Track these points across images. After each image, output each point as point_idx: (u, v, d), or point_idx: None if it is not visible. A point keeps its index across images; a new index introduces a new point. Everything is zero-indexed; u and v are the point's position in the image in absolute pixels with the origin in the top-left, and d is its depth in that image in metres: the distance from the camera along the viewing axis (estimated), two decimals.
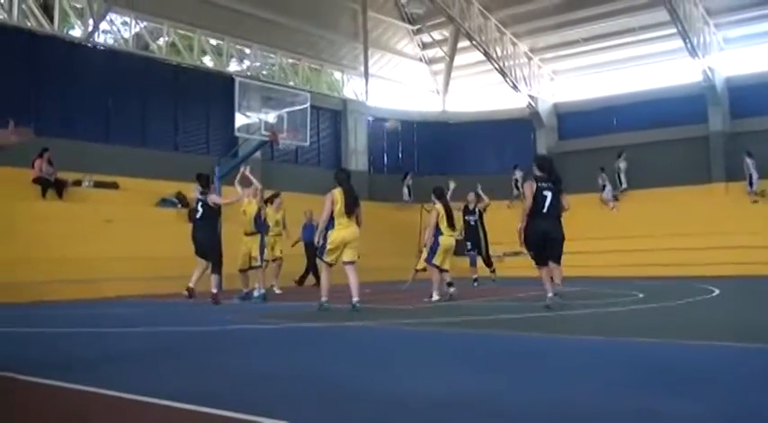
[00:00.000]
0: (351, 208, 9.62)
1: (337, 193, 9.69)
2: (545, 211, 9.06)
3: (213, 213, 11.54)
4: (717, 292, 12.18)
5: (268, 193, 14.38)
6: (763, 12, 25.04)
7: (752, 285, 14.28)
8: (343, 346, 6.39)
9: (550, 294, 9.18)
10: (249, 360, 5.49)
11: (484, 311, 9.47)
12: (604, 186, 25.92)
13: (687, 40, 24.18)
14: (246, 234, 12.27)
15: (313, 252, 16.12)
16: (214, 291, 11.34)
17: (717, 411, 3.38)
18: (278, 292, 14.51)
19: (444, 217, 11.31)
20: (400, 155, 31.36)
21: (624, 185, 26.06)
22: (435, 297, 11.20)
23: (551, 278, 9.25)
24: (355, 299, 9.49)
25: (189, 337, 7.23)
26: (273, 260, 14.47)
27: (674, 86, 27.20)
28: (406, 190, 28.24)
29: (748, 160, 22.95)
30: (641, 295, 11.43)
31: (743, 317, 8.34)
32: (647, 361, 5.01)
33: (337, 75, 30.47)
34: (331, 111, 28.67)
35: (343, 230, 9.59)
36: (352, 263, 9.69)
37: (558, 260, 9.37)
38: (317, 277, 16.55)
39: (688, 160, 25.23)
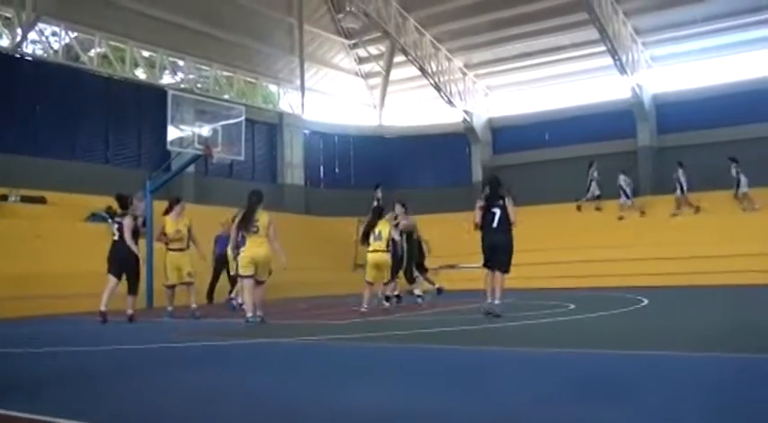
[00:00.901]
0: (251, 228, 10.08)
1: (239, 217, 10.33)
2: (494, 225, 10.06)
3: (132, 235, 11.46)
4: (646, 302, 12.49)
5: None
6: (687, 31, 25.95)
7: (680, 295, 14.69)
8: (282, 362, 6.31)
9: (489, 300, 9.91)
10: (192, 377, 5.37)
11: (421, 325, 9.51)
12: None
13: (616, 58, 24.91)
14: (174, 250, 12.23)
15: (221, 267, 15.89)
16: (130, 312, 11.33)
17: (645, 419, 3.44)
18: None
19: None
20: (337, 169, 31.33)
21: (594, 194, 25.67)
22: (363, 309, 11.45)
23: (493, 288, 10.03)
24: (249, 314, 9.94)
25: (128, 356, 7.05)
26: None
27: (604, 102, 27.97)
28: (375, 203, 28.11)
29: (680, 171, 23.55)
30: (572, 306, 11.65)
31: (669, 325, 8.56)
32: (578, 370, 5.09)
33: (273, 88, 30.31)
34: (267, 124, 28.48)
35: (252, 249, 10.10)
36: (261, 281, 10.25)
37: (504, 268, 10.12)
38: (212, 296, 16.34)
39: (618, 174, 25.84)
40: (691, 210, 22.98)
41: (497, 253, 10.08)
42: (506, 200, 10.19)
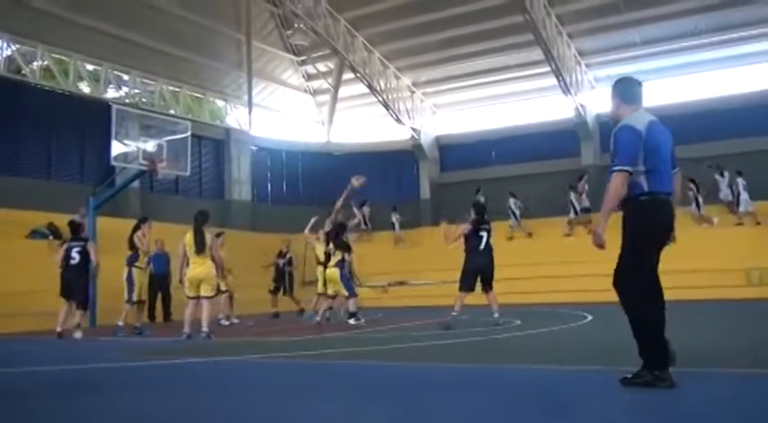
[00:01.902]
0: (199, 248, 10.54)
1: (188, 237, 10.73)
2: (481, 248, 11.20)
3: (87, 258, 12.06)
4: (590, 317, 12.70)
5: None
6: (628, 54, 26.72)
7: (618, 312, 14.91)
8: (224, 381, 6.22)
9: (454, 313, 11.07)
10: (131, 399, 5.26)
11: (364, 342, 9.49)
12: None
13: (560, 79, 25.45)
14: (142, 267, 12.96)
15: (159, 286, 15.77)
16: (77, 323, 11.92)
17: None
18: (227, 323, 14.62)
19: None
20: (285, 185, 31.19)
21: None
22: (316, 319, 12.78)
23: (461, 303, 11.28)
24: (204, 329, 10.42)
25: (71, 377, 6.86)
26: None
27: (549, 122, 28.52)
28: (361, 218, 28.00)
29: None
30: (518, 322, 11.78)
31: (612, 341, 8.69)
32: (522, 386, 5.14)
33: (220, 103, 30.07)
34: (213, 140, 28.23)
35: (196, 269, 10.57)
36: (207, 297, 10.66)
37: (490, 286, 11.47)
38: (153, 315, 16.18)
39: (563, 192, 26.24)
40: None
41: (486, 275, 11.27)
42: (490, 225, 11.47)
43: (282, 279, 17.30)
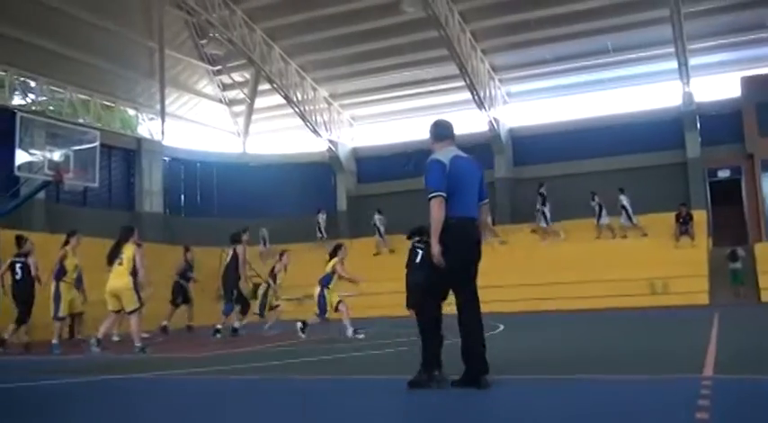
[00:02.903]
0: (109, 259, 10.54)
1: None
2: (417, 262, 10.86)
3: (29, 273, 12.32)
4: (501, 327, 12.91)
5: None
6: (539, 70, 27.58)
7: (542, 320, 15.28)
8: (133, 399, 6.04)
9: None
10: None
11: (266, 357, 9.38)
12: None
13: (475, 93, 25.98)
14: (69, 282, 12.79)
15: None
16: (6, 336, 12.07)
17: None
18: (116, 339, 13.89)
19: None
20: (199, 197, 30.60)
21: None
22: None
23: None
24: (137, 343, 10.29)
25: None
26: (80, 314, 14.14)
27: (463, 135, 28.23)
28: (317, 227, 27.80)
29: (542, 201, 24.77)
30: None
31: (521, 350, 8.87)
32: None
33: (132, 113, 29.26)
34: (124, 150, 27.45)
35: (111, 281, 10.47)
36: (128, 312, 10.44)
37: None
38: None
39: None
40: (557, 238, 24.17)
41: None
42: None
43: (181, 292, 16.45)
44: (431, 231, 5.52)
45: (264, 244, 26.71)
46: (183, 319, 16.35)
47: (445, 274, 5.45)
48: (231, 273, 13.66)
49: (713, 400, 4.42)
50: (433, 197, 5.51)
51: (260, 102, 31.89)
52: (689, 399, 4.46)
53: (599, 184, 24.65)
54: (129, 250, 10.51)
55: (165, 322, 15.39)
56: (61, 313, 12.39)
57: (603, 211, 23.95)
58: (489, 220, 5.86)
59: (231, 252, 13.84)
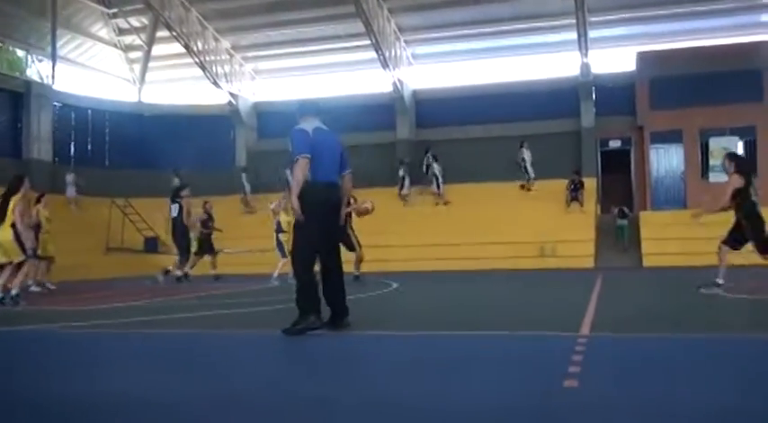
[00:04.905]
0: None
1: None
2: None
3: None
4: (395, 285, 13.07)
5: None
6: (445, 33, 27.70)
7: (428, 279, 15.52)
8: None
9: None
10: None
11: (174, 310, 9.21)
12: (403, 179, 26.09)
13: (380, 53, 25.88)
14: None
15: None
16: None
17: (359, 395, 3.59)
18: (52, 287, 14.17)
19: None
20: (90, 146, 29.30)
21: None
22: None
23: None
24: (13, 291, 9.97)
25: None
26: (46, 258, 13.99)
27: (368, 94, 28.86)
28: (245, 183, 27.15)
29: (435, 164, 25.13)
30: None
31: (412, 307, 9.02)
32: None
33: (21, 54, 27.64)
34: (11, 93, 25.90)
35: None
36: (17, 263, 10.08)
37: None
38: None
39: (378, 164, 26.74)
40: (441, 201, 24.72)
41: None
42: None
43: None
44: (294, 188, 6.08)
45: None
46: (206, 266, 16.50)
47: (308, 232, 6.06)
48: (179, 226, 13.80)
49: (586, 355, 4.61)
50: (299, 159, 6.03)
51: (158, 49, 30.68)
52: (564, 353, 4.63)
53: (499, 149, 25.23)
54: (13, 202, 10.13)
55: (187, 269, 14.82)
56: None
57: (407, 182, 25.52)
58: (350, 187, 6.83)
59: (178, 207, 13.73)
